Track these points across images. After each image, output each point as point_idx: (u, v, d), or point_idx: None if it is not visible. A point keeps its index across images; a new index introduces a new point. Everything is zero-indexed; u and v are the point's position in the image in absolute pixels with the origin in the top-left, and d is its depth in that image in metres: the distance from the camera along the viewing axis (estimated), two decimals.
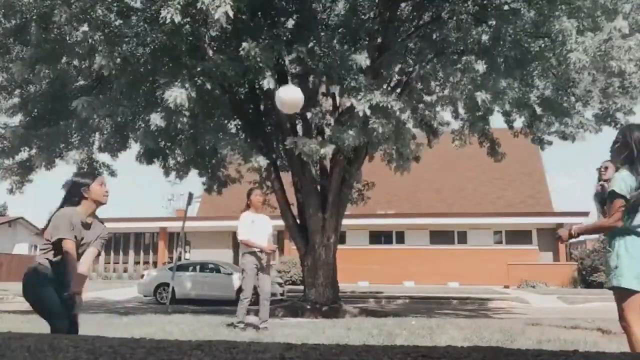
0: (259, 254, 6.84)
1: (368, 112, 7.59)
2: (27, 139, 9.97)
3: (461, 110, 11.18)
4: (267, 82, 7.45)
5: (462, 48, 8.78)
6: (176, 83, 7.37)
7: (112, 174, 11.85)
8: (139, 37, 8.01)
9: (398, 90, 10.22)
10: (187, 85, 7.32)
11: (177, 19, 6.48)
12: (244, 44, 7.18)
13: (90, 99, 8.34)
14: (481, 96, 7.61)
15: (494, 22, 8.12)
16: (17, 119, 10.38)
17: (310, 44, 8.20)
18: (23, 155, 10.64)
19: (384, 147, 11.75)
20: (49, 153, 10.21)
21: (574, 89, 9.48)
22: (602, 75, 7.70)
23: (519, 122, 11.81)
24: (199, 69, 7.72)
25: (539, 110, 10.10)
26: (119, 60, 7.74)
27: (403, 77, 10.70)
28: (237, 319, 6.78)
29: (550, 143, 11.76)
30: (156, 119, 7.82)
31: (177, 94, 7.16)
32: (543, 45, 7.92)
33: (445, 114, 12.12)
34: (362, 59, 7.65)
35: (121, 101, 8.76)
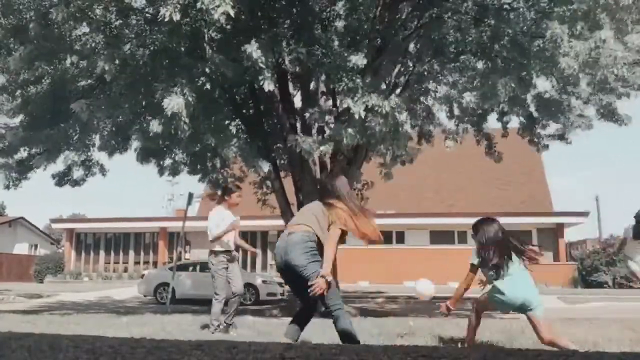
0: (229, 253, 6.69)
1: (363, 114, 7.59)
2: (28, 140, 9.96)
3: (456, 111, 11.21)
4: (267, 84, 7.42)
5: (460, 49, 8.78)
6: (174, 89, 7.35)
7: (103, 173, 11.78)
8: (139, 38, 8.00)
9: (397, 91, 10.23)
10: (185, 91, 7.30)
11: (176, 17, 6.45)
12: (246, 46, 7.16)
13: (89, 102, 8.34)
14: (467, 98, 7.64)
15: (492, 22, 8.11)
16: (17, 119, 10.38)
17: (310, 45, 8.19)
18: (23, 154, 10.64)
19: (380, 148, 11.79)
20: (50, 155, 10.22)
21: (573, 88, 9.49)
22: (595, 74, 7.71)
23: (514, 123, 11.87)
24: (199, 70, 7.70)
25: (534, 110, 10.12)
26: (117, 61, 7.73)
27: (401, 78, 10.71)
28: (215, 321, 6.59)
29: (546, 147, 11.80)
30: (154, 126, 7.84)
31: (174, 103, 7.14)
32: (541, 45, 7.93)
33: (441, 115, 12.17)
34: (359, 59, 7.64)
35: (120, 103, 8.75)
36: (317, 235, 3.92)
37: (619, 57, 6.82)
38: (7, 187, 10.80)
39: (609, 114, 10.34)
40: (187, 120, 7.53)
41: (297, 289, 3.95)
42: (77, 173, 11.44)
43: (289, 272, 3.87)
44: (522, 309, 4.30)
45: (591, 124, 10.59)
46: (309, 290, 3.69)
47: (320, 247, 3.92)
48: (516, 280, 4.29)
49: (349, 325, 3.77)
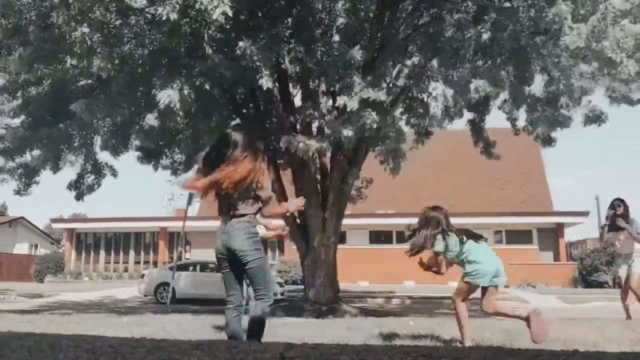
0: None
1: (356, 106, 7.61)
2: (28, 140, 9.97)
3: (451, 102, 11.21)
4: (265, 82, 7.41)
5: (462, 49, 8.78)
6: (171, 84, 7.35)
7: (114, 174, 11.87)
8: (138, 38, 8.00)
9: (397, 90, 10.23)
10: (183, 86, 7.31)
11: (173, 16, 6.44)
12: (241, 43, 7.17)
13: (88, 102, 8.34)
14: (477, 82, 7.63)
15: (494, 16, 8.11)
16: (19, 120, 10.39)
17: (309, 44, 8.20)
18: (27, 157, 10.67)
19: (381, 148, 11.79)
20: (50, 155, 10.23)
21: (567, 88, 9.48)
22: (594, 62, 7.72)
23: (521, 121, 11.78)
24: (197, 69, 7.70)
25: (536, 106, 10.09)
26: (117, 61, 7.73)
27: (400, 79, 10.71)
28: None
29: (554, 141, 11.57)
30: (150, 120, 7.86)
31: (168, 95, 7.15)
32: (540, 42, 7.94)
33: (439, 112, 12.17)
34: (356, 53, 7.64)
35: (119, 102, 8.76)
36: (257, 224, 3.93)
37: (626, 28, 6.82)
38: (19, 193, 10.82)
39: (595, 118, 10.36)
40: (181, 114, 7.55)
41: (231, 277, 3.92)
42: (89, 179, 11.48)
43: (228, 258, 3.85)
44: (496, 276, 4.59)
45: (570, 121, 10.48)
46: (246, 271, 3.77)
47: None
48: (484, 249, 4.74)
49: (259, 317, 3.75)
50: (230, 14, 6.27)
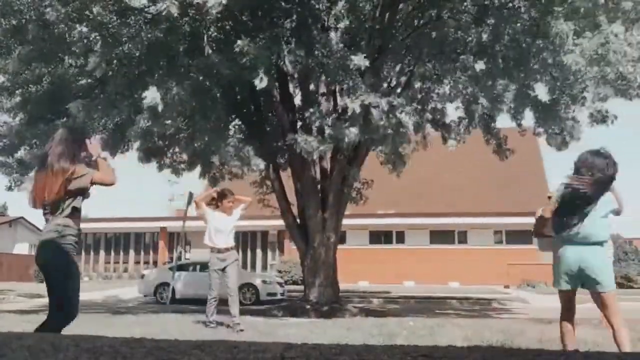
0: (220, 253, 7.21)
1: (358, 109, 7.64)
2: (25, 136, 9.95)
3: (461, 112, 11.12)
4: (260, 81, 7.40)
5: (461, 49, 8.77)
6: (163, 86, 7.38)
7: None
8: (136, 38, 7.99)
9: (398, 90, 10.22)
10: (173, 88, 7.34)
11: (173, 11, 6.43)
12: (239, 42, 7.18)
13: (85, 102, 8.35)
14: (482, 102, 7.62)
15: (492, 21, 8.10)
16: (18, 119, 10.38)
17: (309, 45, 8.19)
18: (22, 153, 10.63)
19: (382, 148, 11.76)
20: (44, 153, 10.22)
21: (569, 90, 9.40)
22: (598, 73, 7.63)
23: (527, 122, 11.66)
24: (194, 67, 7.71)
25: (537, 113, 10.03)
26: (115, 61, 7.73)
27: (403, 78, 10.70)
28: (206, 318, 7.32)
29: (566, 144, 11.29)
30: (139, 120, 7.92)
31: (151, 97, 7.20)
32: (542, 45, 7.91)
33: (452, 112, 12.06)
34: (361, 60, 7.63)
35: (117, 103, 8.76)
36: (76, 220, 3.72)
37: (627, 52, 6.78)
38: (10, 188, 10.78)
39: (601, 119, 10.17)
40: (166, 115, 7.59)
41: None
42: None
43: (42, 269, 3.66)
44: (576, 277, 3.90)
45: (580, 130, 10.27)
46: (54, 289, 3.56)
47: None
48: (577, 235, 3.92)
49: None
50: (224, 1, 6.30)
